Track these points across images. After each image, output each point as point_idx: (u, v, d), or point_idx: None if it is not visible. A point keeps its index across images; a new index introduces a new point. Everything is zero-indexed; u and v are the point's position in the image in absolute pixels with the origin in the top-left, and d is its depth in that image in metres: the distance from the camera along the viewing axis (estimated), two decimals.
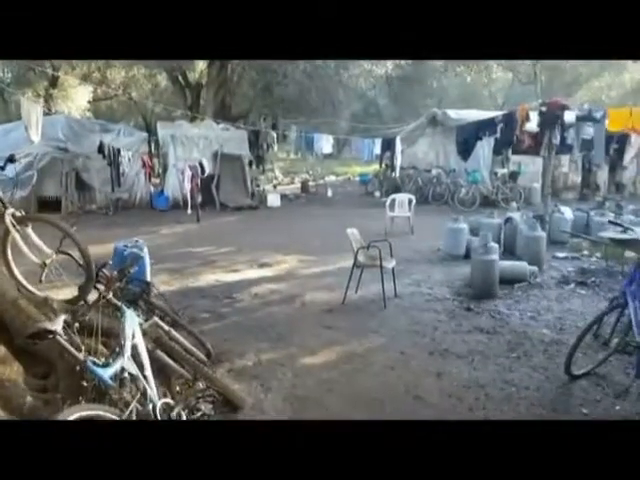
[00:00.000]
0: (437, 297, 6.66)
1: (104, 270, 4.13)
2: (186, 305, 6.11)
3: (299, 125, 17.42)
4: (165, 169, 15.95)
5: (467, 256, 8.78)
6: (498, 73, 37.94)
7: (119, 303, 3.19)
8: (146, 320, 3.79)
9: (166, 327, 3.37)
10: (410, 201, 11.16)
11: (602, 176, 17.94)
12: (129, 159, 13.31)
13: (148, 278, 6.09)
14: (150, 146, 17.22)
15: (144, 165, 13.56)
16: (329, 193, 18.82)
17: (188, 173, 12.61)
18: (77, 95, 27.21)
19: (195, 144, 15.56)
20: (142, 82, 30.46)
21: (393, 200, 11.31)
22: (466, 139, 11.24)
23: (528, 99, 32.19)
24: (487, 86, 38.87)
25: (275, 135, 18.40)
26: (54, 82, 26.17)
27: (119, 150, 13.16)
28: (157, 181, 16.68)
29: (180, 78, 20.38)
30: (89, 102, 28.21)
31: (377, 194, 18.07)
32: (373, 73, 17.56)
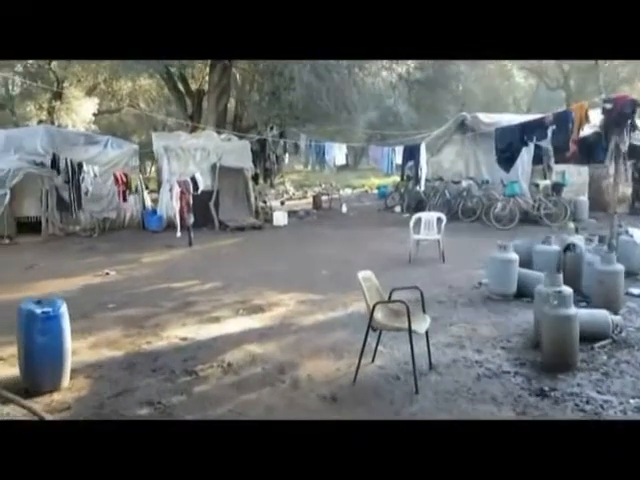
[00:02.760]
0: (491, 369, 4.61)
1: None
2: (121, 390, 4.16)
3: (310, 134, 15.52)
4: (160, 185, 14.25)
5: (519, 294, 6.78)
6: (520, 78, 35.96)
7: None
8: None
9: None
10: (439, 220, 9.13)
11: None
12: (95, 175, 11.46)
13: (68, 355, 4.19)
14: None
15: (117, 182, 11.74)
16: (343, 209, 16.87)
17: (177, 190, 10.77)
18: (81, 108, 25.99)
19: (192, 156, 13.78)
20: (150, 93, 29.16)
21: (419, 220, 9.29)
22: (509, 145, 9.18)
23: (556, 105, 30.11)
24: (512, 92, 36.78)
25: (285, 145, 16.56)
26: (58, 95, 25.02)
27: (80, 165, 11.32)
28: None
29: (180, 85, 18.69)
30: (94, 115, 26.96)
31: (397, 209, 16.09)
32: (393, 72, 15.64)
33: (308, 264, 9.30)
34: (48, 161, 11.99)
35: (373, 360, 4.67)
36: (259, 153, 16.16)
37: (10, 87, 28.10)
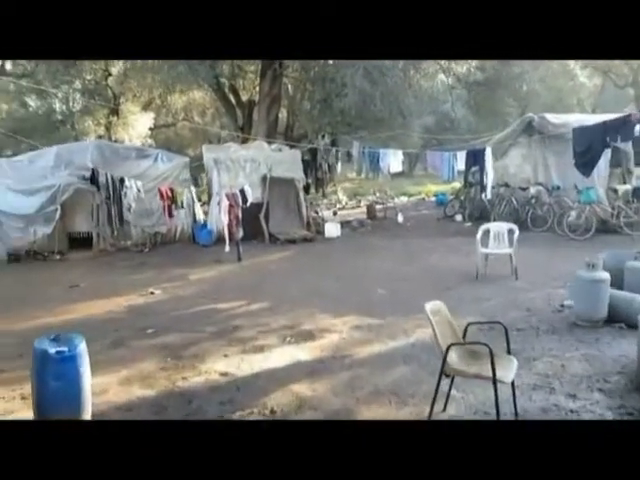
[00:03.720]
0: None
1: None
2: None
3: (362, 141, 14.78)
4: (210, 198, 13.92)
5: (610, 320, 5.79)
6: (584, 78, 33.88)
7: None
8: None
9: None
10: (511, 232, 8.17)
11: None
12: (138, 190, 11.11)
13: (86, 401, 3.64)
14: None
15: (162, 197, 11.36)
16: (399, 218, 15.98)
17: (225, 203, 10.29)
18: (137, 123, 26.43)
19: (241, 168, 13.32)
20: (204, 106, 29.34)
21: (487, 231, 8.36)
22: (589, 147, 8.14)
23: (624, 104, 28.04)
24: (576, 92, 34.75)
25: (337, 153, 15.91)
26: (115, 110, 25.55)
27: (122, 180, 10.99)
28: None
29: (231, 96, 18.43)
30: (150, 129, 27.36)
31: (458, 218, 15.07)
32: (451, 73, 14.67)
33: (363, 281, 8.55)
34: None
35: (445, 408, 3.87)
36: (310, 162, 15.63)
37: (71, 103, 28.86)
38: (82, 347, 3.58)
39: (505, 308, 6.59)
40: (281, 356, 5.22)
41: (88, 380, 3.62)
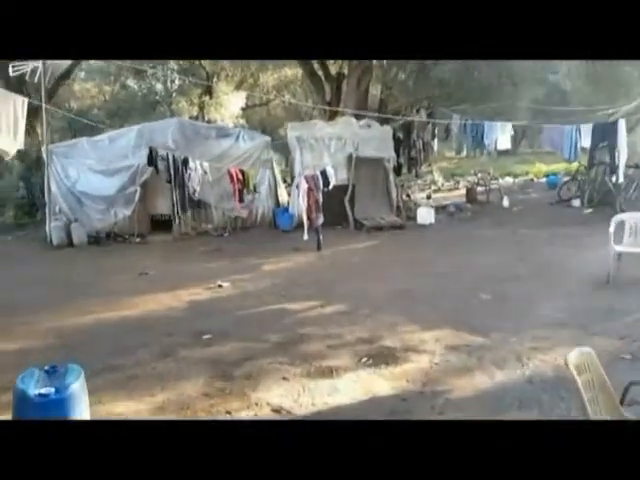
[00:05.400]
0: None
1: None
2: None
3: (464, 114, 13.05)
4: (293, 180, 13.00)
5: None
6: None
7: None
8: None
9: None
10: None
11: None
12: (205, 172, 10.22)
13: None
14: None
15: (232, 179, 10.43)
16: (505, 202, 14.14)
17: (304, 186, 9.26)
18: (230, 102, 26.22)
19: (326, 147, 12.22)
20: (295, 83, 28.61)
21: (620, 224, 6.67)
22: None
23: None
24: None
25: (434, 129, 14.33)
26: (208, 90, 25.50)
27: (185, 161, 10.11)
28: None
29: (319, 70, 17.30)
30: (243, 109, 27.10)
31: (576, 203, 13.00)
32: None
33: (461, 281, 7.19)
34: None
35: None
36: (403, 140, 14.21)
37: (169, 84, 29.19)
38: (75, 387, 2.66)
39: None
40: (353, 385, 4.10)
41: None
